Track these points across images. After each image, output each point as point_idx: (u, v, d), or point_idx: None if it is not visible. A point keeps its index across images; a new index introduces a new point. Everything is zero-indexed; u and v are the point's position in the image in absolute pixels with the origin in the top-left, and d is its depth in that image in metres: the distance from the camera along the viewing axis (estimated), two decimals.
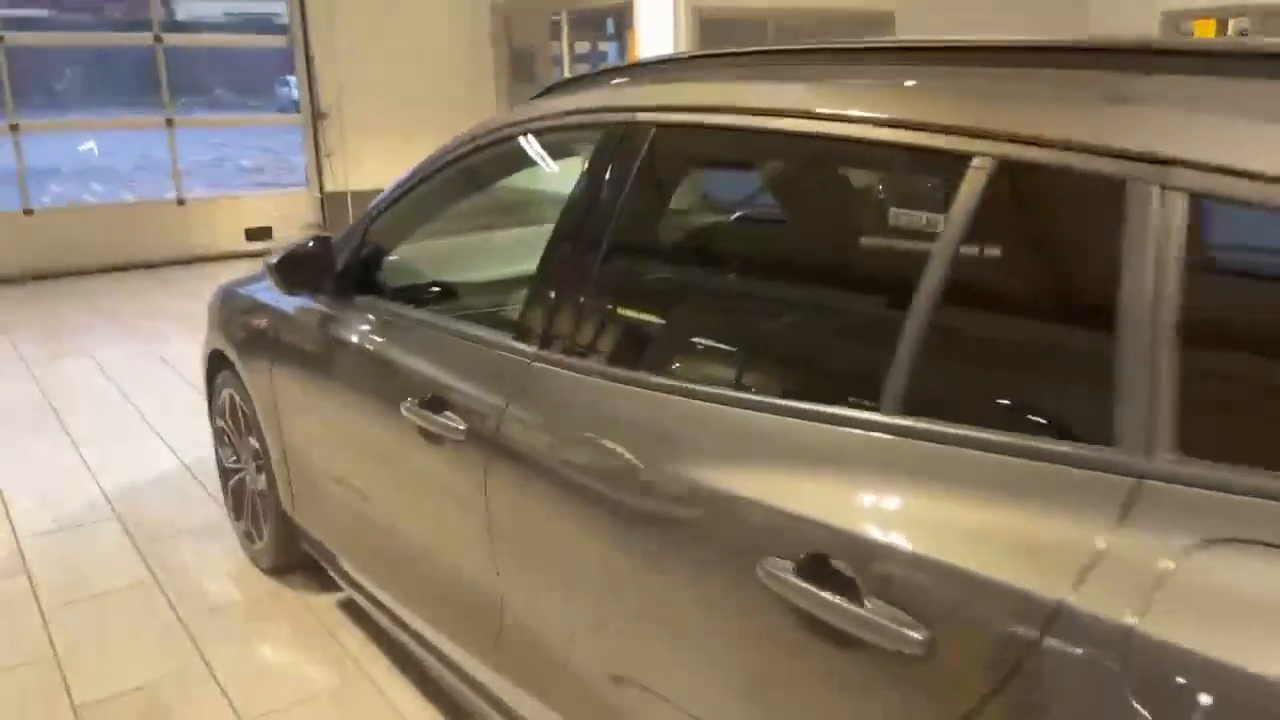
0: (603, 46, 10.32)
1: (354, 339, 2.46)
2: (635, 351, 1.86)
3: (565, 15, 9.24)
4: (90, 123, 11.09)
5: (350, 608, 3.05)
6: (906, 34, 9.51)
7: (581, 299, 1.85)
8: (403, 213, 2.56)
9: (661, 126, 1.80)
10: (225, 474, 3.48)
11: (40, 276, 8.34)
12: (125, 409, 4.98)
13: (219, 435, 3.46)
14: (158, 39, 8.68)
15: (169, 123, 8.82)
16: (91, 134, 11.73)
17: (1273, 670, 0.89)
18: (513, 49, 10.02)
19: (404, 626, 2.44)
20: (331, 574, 2.89)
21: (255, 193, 10.67)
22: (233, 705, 2.61)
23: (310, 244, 2.57)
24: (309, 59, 9.29)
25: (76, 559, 3.42)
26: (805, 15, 8.94)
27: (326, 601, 3.11)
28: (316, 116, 9.41)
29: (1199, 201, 1.09)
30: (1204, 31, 9.76)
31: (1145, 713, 0.96)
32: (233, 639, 2.92)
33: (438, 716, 2.54)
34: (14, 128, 8.25)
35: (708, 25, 8.24)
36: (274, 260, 2.55)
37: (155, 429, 4.66)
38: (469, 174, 2.46)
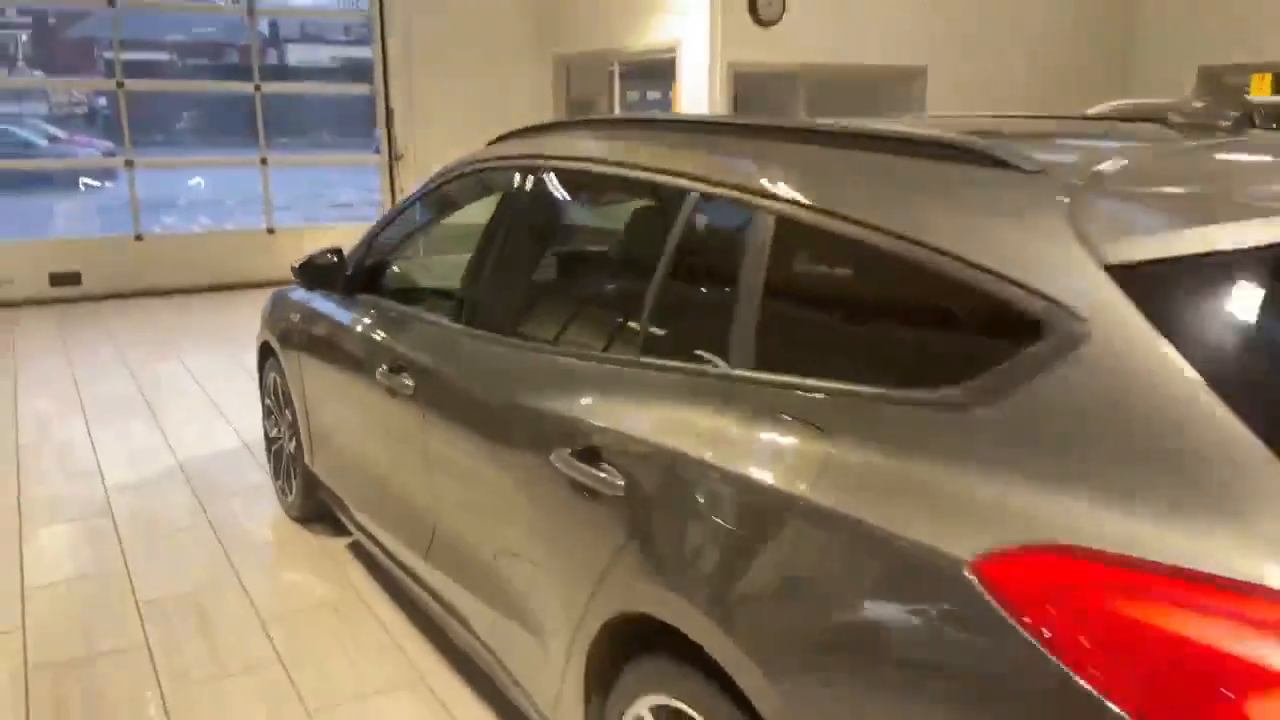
0: (653, 95, 11.12)
1: (351, 324, 3.25)
2: (509, 323, 2.58)
3: (617, 67, 10.08)
4: (195, 160, 12.37)
5: (355, 549, 3.82)
6: (938, 87, 10.12)
7: (484, 290, 2.61)
8: (394, 230, 3.34)
9: (542, 169, 2.55)
10: (269, 442, 4.30)
11: (147, 293, 9.47)
12: (203, 401, 5.88)
13: (265, 411, 4.29)
14: (257, 87, 9.82)
15: (263, 161, 9.92)
16: (200, 170, 13.05)
17: (766, 479, 1.57)
18: (571, 98, 10.92)
19: (379, 545, 3.19)
20: (340, 516, 3.66)
21: (339, 224, 11.75)
22: (254, 606, 3.39)
23: (327, 253, 3.37)
24: (388, 105, 10.32)
25: (151, 508, 4.27)
26: (837, 71, 9.57)
27: (339, 544, 3.88)
28: (393, 158, 10.42)
29: (783, 221, 1.78)
30: (1260, 87, 9.96)
31: (720, 520, 1.65)
32: (262, 565, 3.71)
33: (407, 623, 3.27)
34: (129, 164, 9.44)
35: (741, 79, 8.98)
36: (297, 265, 3.36)
37: (225, 416, 5.54)
38: (440, 201, 3.24)
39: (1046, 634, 1.20)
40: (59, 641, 3.17)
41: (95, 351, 7.25)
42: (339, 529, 3.90)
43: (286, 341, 3.81)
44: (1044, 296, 1.38)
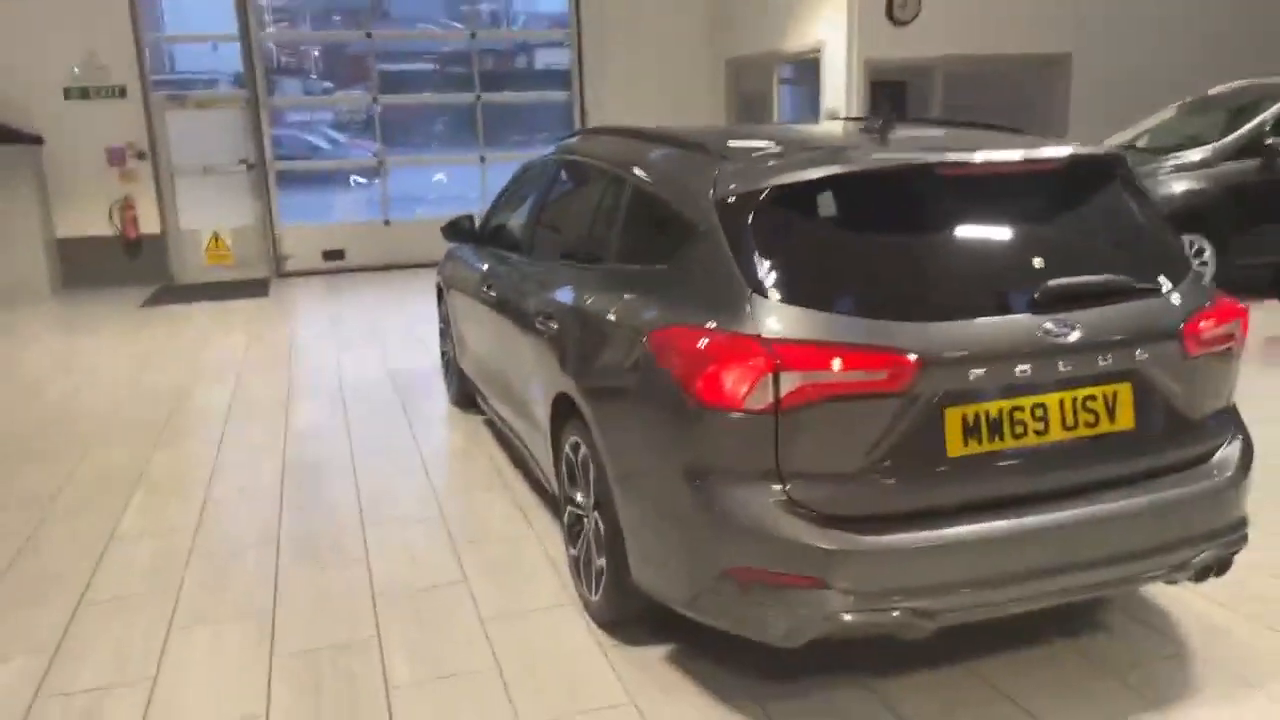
0: (809, 91, 12.34)
1: (472, 262, 5.00)
2: (526, 249, 4.23)
3: (777, 68, 11.45)
4: (431, 159, 14.86)
5: (487, 424, 5.59)
6: (1082, 74, 10.64)
7: (522, 232, 4.29)
8: (502, 201, 5.06)
9: (557, 160, 4.20)
10: (442, 355, 6.18)
11: (393, 266, 11.85)
12: (415, 337, 7.93)
13: (440, 333, 6.17)
14: (477, 98, 12.00)
15: (481, 159, 12.11)
16: (441, 166, 15.54)
17: (591, 313, 3.15)
18: (741, 96, 12.38)
19: (487, 403, 4.94)
20: (476, 398, 5.42)
21: None
22: (420, 451, 5.24)
23: (463, 218, 5.13)
24: (583, 109, 12.22)
25: (368, 397, 6.26)
26: (976, 62, 10.41)
27: (475, 420, 5.67)
28: None
29: (608, 175, 3.33)
30: None
31: (575, 336, 3.25)
32: (428, 429, 5.57)
33: (505, 459, 5.00)
34: (380, 163, 11.88)
35: (877, 73, 10.12)
36: (444, 225, 5.14)
37: (426, 346, 7.53)
38: (522, 181, 4.92)
39: (664, 361, 2.71)
40: (303, 458, 5.14)
41: (348, 306, 9.58)
42: (477, 410, 5.69)
43: (446, 280, 5.63)
44: (691, 218, 2.86)
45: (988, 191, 2.82)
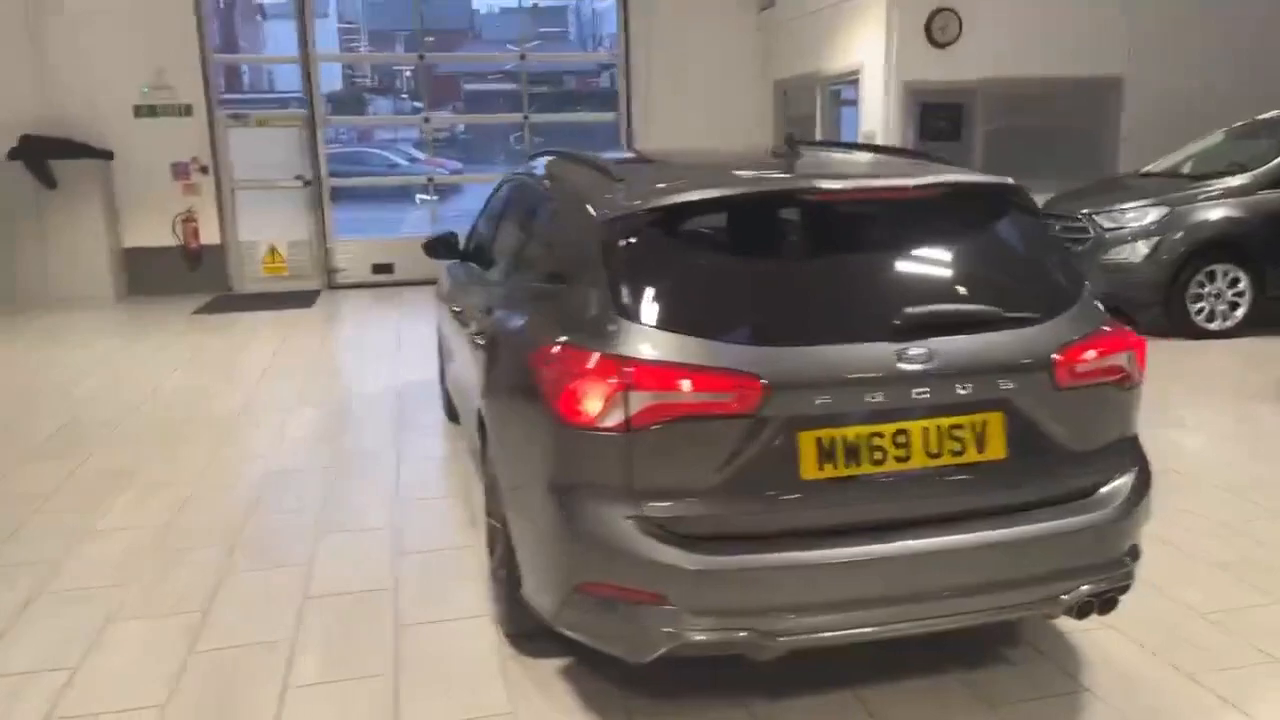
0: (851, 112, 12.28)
1: (451, 278, 5.14)
2: (483, 262, 4.32)
3: (819, 88, 11.41)
4: (476, 177, 15.40)
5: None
6: (1135, 98, 10.35)
7: (488, 252, 4.39)
8: (480, 218, 5.20)
9: (513, 180, 4.29)
10: (439, 368, 6.35)
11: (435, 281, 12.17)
12: (431, 350, 8.12)
13: (438, 347, 6.34)
14: (525, 118, 12.27)
15: None
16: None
17: (501, 326, 3.24)
18: (788, 116, 12.36)
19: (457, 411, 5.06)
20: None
21: None
22: (400, 454, 5.38)
23: (444, 234, 5.28)
24: (630, 129, 12.35)
25: (369, 408, 6.45)
26: (1019, 85, 10.21)
27: (457, 429, 5.80)
28: None
29: (537, 192, 3.41)
30: None
31: (484, 343, 3.33)
32: (417, 437, 5.71)
33: (478, 478, 5.11)
34: (430, 180, 12.23)
35: (914, 95, 10.02)
36: (424, 241, 5.30)
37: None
38: (496, 200, 5.04)
39: (537, 378, 2.78)
40: (286, 464, 5.35)
41: (384, 318, 9.88)
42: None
43: (437, 294, 5.79)
44: (581, 239, 2.93)
45: (860, 219, 2.83)
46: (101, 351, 8.63)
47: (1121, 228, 7.86)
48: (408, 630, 3.50)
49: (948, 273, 2.86)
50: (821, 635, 2.64)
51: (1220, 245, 7.68)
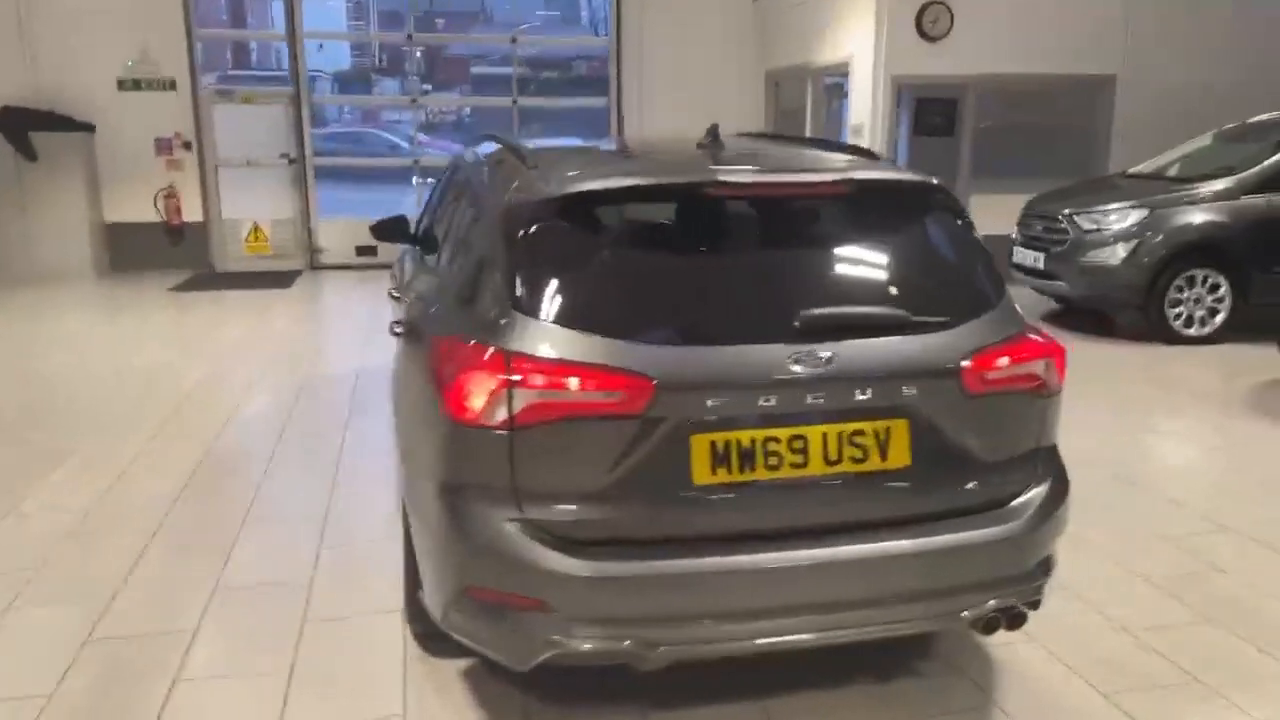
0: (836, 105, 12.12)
1: (400, 262, 5.03)
2: (429, 250, 4.20)
3: (810, 81, 11.24)
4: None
5: None
6: (1127, 96, 10.19)
7: (429, 237, 4.27)
8: (430, 201, 5.09)
9: (458, 165, 4.17)
10: None
11: None
12: None
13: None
14: (514, 102, 12.13)
15: None
16: None
17: (410, 316, 3.13)
18: (780, 109, 12.20)
19: None
20: None
21: None
22: (343, 450, 5.28)
23: (394, 217, 5.16)
24: (620, 117, 12.20)
25: (325, 394, 6.36)
26: (1010, 81, 10.04)
27: None
28: None
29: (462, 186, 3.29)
30: None
31: (402, 345, 3.22)
32: (365, 431, 5.61)
33: None
34: (415, 163, 12.09)
35: (905, 90, 9.87)
36: (372, 223, 5.18)
37: None
38: (439, 185, 4.92)
39: (434, 369, 2.67)
40: (227, 448, 5.26)
41: (360, 301, 9.77)
42: None
43: (390, 278, 5.68)
44: (489, 227, 2.81)
45: (766, 215, 2.71)
46: (72, 327, 8.54)
47: (1101, 229, 7.72)
48: (315, 625, 3.41)
49: (856, 274, 2.74)
50: (709, 647, 2.55)
51: (1201, 250, 7.53)
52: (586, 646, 2.46)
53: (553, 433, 2.42)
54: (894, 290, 2.72)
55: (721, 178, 2.64)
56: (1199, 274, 7.52)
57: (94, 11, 10.89)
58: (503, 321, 2.51)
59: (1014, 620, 2.71)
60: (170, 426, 5.60)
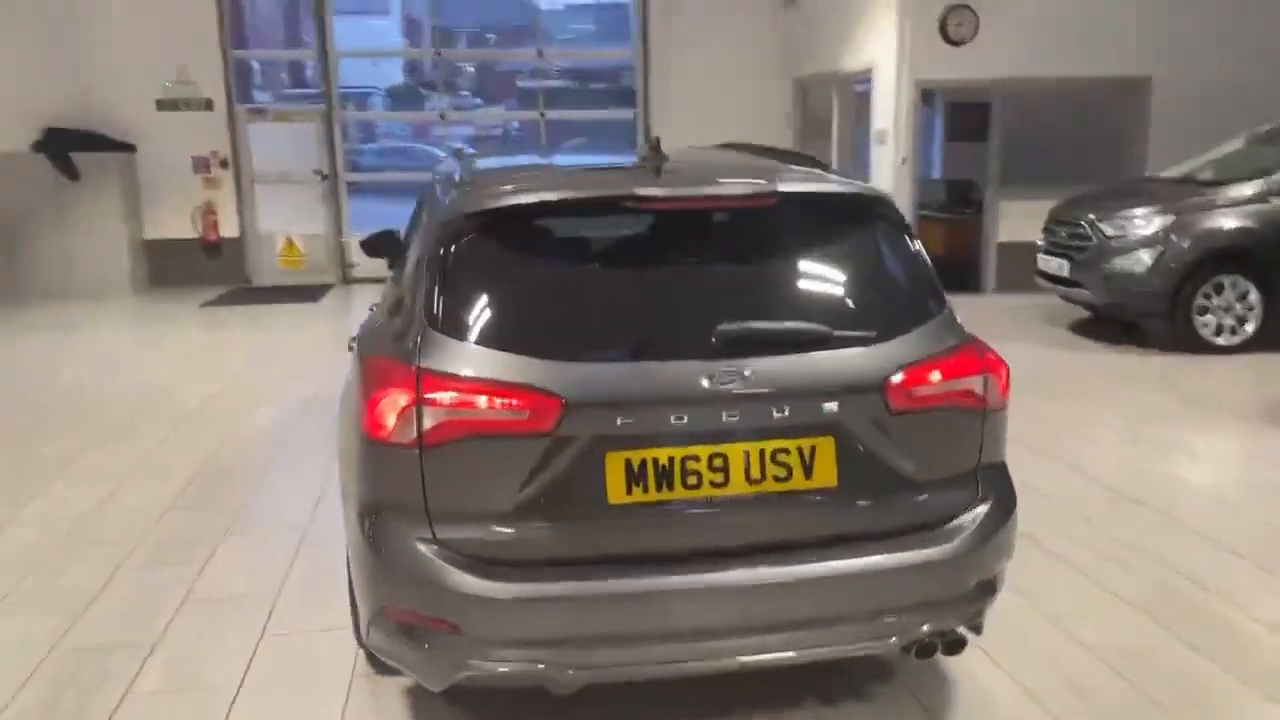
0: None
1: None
2: (400, 265, 4.21)
3: (836, 87, 11.13)
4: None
5: None
6: (1162, 99, 9.91)
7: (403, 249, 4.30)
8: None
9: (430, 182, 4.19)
10: None
11: None
12: None
13: None
14: (542, 115, 12.20)
15: None
16: None
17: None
18: (807, 116, 12.10)
19: None
20: None
21: None
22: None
23: (381, 233, 5.19)
24: (648, 126, 12.20)
25: (331, 408, 6.41)
26: (1039, 85, 9.83)
27: None
28: None
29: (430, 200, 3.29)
30: None
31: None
32: None
33: None
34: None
35: (927, 94, 9.71)
36: (361, 238, 5.22)
37: None
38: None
39: (360, 387, 2.66)
40: (226, 461, 5.33)
41: None
42: None
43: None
44: (425, 245, 2.80)
45: (686, 228, 2.66)
46: (101, 342, 8.78)
47: (1126, 235, 7.50)
48: (270, 639, 3.43)
49: (778, 288, 2.68)
50: (628, 670, 2.50)
51: (1229, 256, 7.29)
52: (502, 669, 2.44)
53: (462, 451, 2.40)
54: (819, 304, 2.66)
55: (638, 191, 2.60)
56: (1227, 281, 7.28)
57: (134, 34, 11.20)
58: (417, 339, 2.51)
59: (951, 646, 2.62)
60: (174, 440, 5.70)
